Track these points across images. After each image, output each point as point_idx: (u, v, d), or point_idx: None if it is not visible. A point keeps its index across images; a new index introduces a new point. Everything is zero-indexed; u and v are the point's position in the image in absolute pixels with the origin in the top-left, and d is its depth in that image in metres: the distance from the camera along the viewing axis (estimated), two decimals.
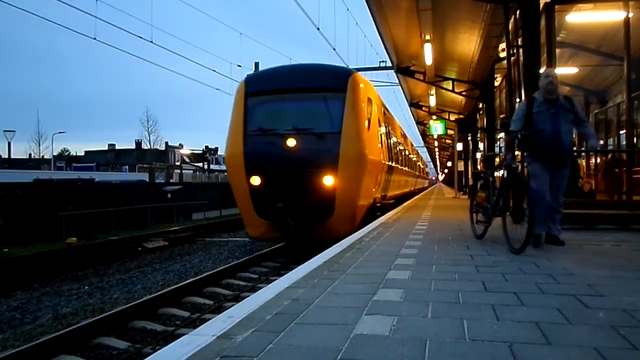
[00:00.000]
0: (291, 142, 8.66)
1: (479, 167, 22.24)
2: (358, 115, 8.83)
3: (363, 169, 8.71)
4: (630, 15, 8.25)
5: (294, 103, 9.34)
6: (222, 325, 2.29)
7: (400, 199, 16.39)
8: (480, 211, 5.64)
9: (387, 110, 13.74)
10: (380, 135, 10.78)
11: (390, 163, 12.09)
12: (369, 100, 9.74)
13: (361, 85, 9.32)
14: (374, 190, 9.95)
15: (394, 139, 14.47)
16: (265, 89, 9.36)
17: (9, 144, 34.41)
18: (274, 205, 8.50)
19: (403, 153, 17.91)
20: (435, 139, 35.24)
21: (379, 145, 10.36)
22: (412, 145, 25.59)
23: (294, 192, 8.57)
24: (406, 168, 18.56)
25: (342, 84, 8.95)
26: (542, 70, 8.15)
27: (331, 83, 9.16)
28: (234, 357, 1.90)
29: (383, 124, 11.73)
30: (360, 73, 10.73)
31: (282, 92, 9.26)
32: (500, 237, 4.94)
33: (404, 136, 20.29)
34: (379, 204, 10.74)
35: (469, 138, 25.05)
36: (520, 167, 4.90)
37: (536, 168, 4.91)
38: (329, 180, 8.50)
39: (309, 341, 2.09)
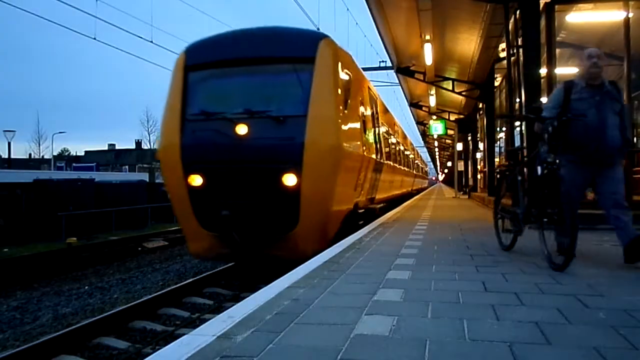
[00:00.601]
0: (242, 129, 6.58)
1: (477, 165, 22.26)
2: (331, 93, 6.68)
3: (337, 164, 6.65)
4: (630, 15, 8.27)
5: (247, 78, 7.19)
6: (222, 325, 2.29)
7: (395, 202, 14.68)
8: (507, 217, 4.70)
9: (376, 94, 11.28)
10: (364, 122, 8.52)
11: (378, 158, 9.99)
12: (348, 74, 7.54)
13: (336, 54, 7.10)
14: (354, 192, 7.94)
15: (384, 130, 12.15)
16: (210, 60, 7.22)
17: (9, 144, 34.45)
18: (219, 214, 6.59)
19: (397, 148, 15.59)
20: (435, 139, 35.25)
21: (362, 134, 8.18)
22: (409, 140, 23.53)
23: (244, 196, 6.59)
24: (402, 166, 16.52)
25: (310, 51, 6.76)
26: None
27: (295, 50, 6.97)
28: (234, 357, 1.90)
29: (368, 109, 9.32)
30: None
31: (232, 64, 7.13)
32: (529, 248, 4.44)
33: (399, 129, 17.83)
34: (362, 210, 8.70)
35: (469, 138, 25.09)
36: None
37: (570, 173, 3.94)
38: (291, 180, 6.42)
39: (309, 341, 2.09)
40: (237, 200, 6.61)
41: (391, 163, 12.84)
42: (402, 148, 17.31)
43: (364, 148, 8.22)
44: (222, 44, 7.32)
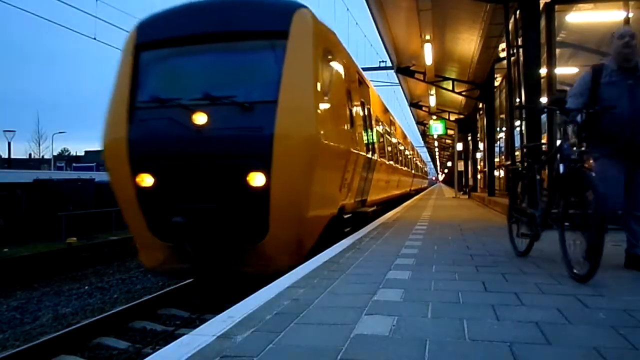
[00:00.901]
0: (200, 119, 5.53)
1: (477, 165, 22.24)
2: (307, 75, 5.63)
3: (314, 159, 5.57)
4: (630, 15, 8.26)
5: (208, 57, 6.14)
6: (222, 325, 2.29)
7: (391, 204, 13.72)
8: (523, 221, 4.23)
9: (368, 84, 9.95)
10: (351, 112, 7.33)
11: (370, 155, 8.81)
12: (330, 52, 6.37)
13: (316, 29, 5.92)
14: (338, 193, 6.75)
15: (378, 124, 10.89)
16: (165, 37, 6.13)
17: (9, 144, 34.49)
18: (170, 221, 5.48)
19: (394, 145, 14.45)
20: (435, 139, 35.27)
21: (348, 126, 7.00)
22: (408, 139, 22.68)
23: (201, 199, 5.54)
24: (399, 165, 15.37)
25: (283, 24, 5.68)
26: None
27: (264, 23, 5.84)
28: (234, 357, 1.90)
29: (357, 98, 8.09)
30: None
31: (191, 41, 6.04)
32: (549, 254, 4.07)
33: (397, 126, 16.58)
34: (349, 214, 7.40)
35: (469, 138, 25.11)
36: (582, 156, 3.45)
37: (605, 166, 3.61)
38: (258, 179, 5.36)
39: (309, 341, 2.09)
40: (193, 204, 5.55)
41: (386, 161, 11.80)
42: (399, 145, 16.35)
43: (351, 142, 7.08)
44: (180, 18, 6.21)
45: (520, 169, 4.94)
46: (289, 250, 5.58)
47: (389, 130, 13.32)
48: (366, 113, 9.08)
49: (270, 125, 5.33)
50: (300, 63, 5.63)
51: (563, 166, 3.52)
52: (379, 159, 10.12)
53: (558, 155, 3.67)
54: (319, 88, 5.74)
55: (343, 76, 7.02)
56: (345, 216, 7.18)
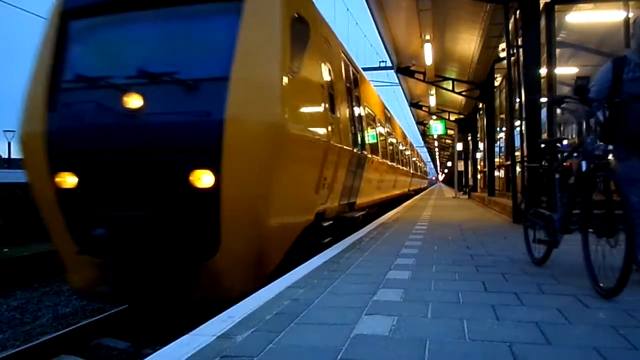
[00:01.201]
0: (134, 102, 4.43)
1: (477, 165, 22.25)
2: (271, 45, 4.44)
3: (278, 152, 4.37)
4: (630, 15, 8.27)
5: (147, 25, 4.94)
6: (222, 325, 2.29)
7: (388, 206, 12.89)
8: (540, 225, 3.82)
9: (356, 68, 8.71)
10: (332, 97, 6.11)
11: (358, 150, 7.62)
12: (304, 22, 5.23)
13: None
14: (315, 195, 5.52)
15: (370, 117, 9.62)
16: (97, 1, 4.98)
17: (9, 144, 34.43)
18: (91, 233, 4.42)
19: (390, 141, 13.25)
20: (435, 139, 35.29)
21: (327, 114, 5.79)
22: (404, 134, 21.42)
23: (132, 205, 4.43)
24: (395, 163, 14.14)
25: None
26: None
27: None
28: (234, 357, 1.90)
29: (342, 82, 6.86)
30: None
31: (127, 6, 4.87)
32: (571, 264, 3.67)
33: (393, 121, 15.28)
34: (329, 221, 6.15)
35: (469, 138, 25.12)
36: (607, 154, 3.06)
37: (634, 168, 3.20)
38: (205, 179, 4.21)
39: (309, 341, 2.09)
40: (121, 212, 4.46)
41: (380, 158, 10.49)
42: (396, 143, 15.25)
43: (332, 133, 5.86)
44: None
45: (538, 167, 4.54)
46: (247, 269, 4.44)
47: (384, 125, 12.11)
48: (355, 103, 7.91)
49: (220, 109, 4.19)
50: (261, 29, 4.48)
51: (585, 163, 3.15)
52: (370, 156, 8.90)
53: (579, 152, 3.30)
54: (285, 62, 4.52)
55: (323, 54, 5.92)
56: (325, 224, 5.97)
